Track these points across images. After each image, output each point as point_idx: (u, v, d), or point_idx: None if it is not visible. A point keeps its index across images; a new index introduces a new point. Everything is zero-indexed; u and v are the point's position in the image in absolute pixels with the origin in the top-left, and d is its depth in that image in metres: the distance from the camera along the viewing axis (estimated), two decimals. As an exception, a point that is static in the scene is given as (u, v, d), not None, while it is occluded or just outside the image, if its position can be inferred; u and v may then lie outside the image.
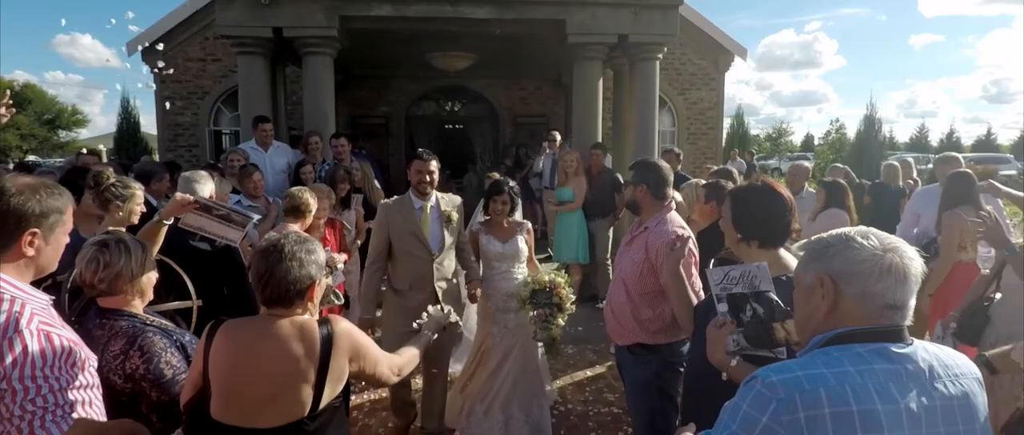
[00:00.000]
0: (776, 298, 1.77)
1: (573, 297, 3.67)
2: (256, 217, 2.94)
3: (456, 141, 14.70)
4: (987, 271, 3.41)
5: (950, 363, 1.24)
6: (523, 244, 3.98)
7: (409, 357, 2.25)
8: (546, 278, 3.62)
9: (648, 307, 2.77)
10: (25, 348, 1.44)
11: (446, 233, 3.74)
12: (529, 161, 10.40)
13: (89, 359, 1.62)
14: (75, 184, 3.22)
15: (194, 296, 2.73)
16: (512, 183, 4.07)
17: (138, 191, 3.10)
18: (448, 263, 3.81)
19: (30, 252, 1.55)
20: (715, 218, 2.85)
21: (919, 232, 4.87)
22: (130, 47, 11.11)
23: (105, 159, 9.02)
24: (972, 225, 2.65)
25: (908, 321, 1.26)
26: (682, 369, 2.72)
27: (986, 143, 45.43)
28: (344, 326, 1.88)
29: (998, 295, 3.08)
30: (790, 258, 2.02)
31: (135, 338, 1.91)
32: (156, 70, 10.99)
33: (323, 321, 1.86)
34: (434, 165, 3.68)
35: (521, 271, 3.96)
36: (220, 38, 9.76)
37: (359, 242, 5.48)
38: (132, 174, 4.60)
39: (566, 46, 7.59)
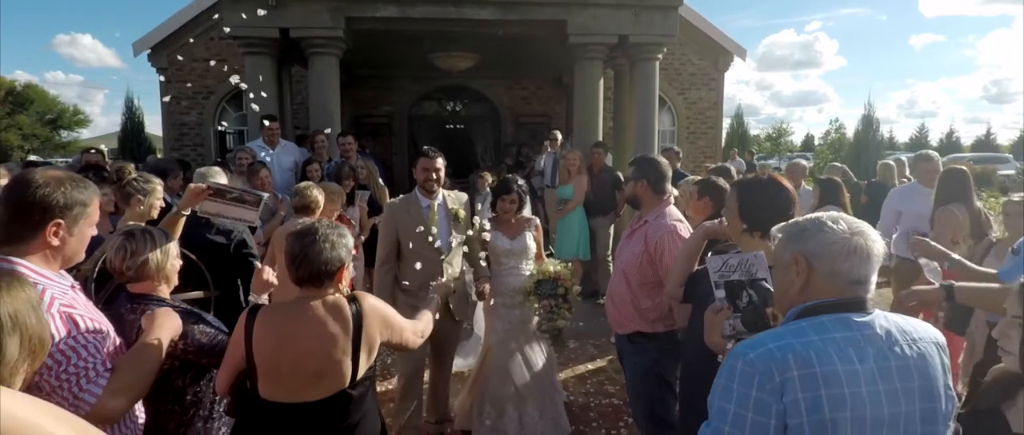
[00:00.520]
0: (771, 286, 1.89)
1: (578, 288, 3.73)
2: (266, 195, 3.03)
3: (458, 141, 14.81)
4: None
5: (908, 329, 1.40)
6: (531, 241, 3.99)
7: (427, 320, 2.41)
8: (551, 268, 3.66)
9: (647, 297, 2.89)
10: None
11: (454, 231, 3.73)
12: (530, 162, 10.52)
13: (111, 330, 1.73)
14: None
15: (211, 286, 2.84)
16: (520, 181, 4.12)
17: (158, 186, 3.22)
18: (457, 262, 3.80)
19: (55, 242, 1.62)
20: (708, 214, 2.96)
21: (907, 229, 4.97)
22: (136, 48, 11.23)
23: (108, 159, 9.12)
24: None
25: (870, 294, 1.42)
26: (678, 359, 2.83)
27: (985, 143, 45.48)
28: (371, 301, 2.04)
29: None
30: None
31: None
32: (162, 70, 11.10)
33: (351, 298, 2.00)
34: (440, 162, 3.67)
35: (529, 268, 3.95)
36: (225, 39, 9.87)
37: (363, 238, 5.60)
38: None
39: (567, 46, 7.72)
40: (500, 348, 3.89)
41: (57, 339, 1.53)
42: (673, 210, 2.97)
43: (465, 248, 3.83)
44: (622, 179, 6.92)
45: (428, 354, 3.86)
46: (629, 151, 8.44)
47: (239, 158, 6.05)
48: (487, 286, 3.85)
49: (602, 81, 8.15)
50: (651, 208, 2.98)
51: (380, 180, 6.64)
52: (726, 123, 18.36)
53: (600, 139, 7.81)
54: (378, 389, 4.63)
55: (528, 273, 3.89)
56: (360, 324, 1.95)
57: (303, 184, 4.28)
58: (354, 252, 5.05)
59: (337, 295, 1.99)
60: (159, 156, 13.20)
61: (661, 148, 8.71)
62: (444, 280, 2.78)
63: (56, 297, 1.59)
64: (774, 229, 1.57)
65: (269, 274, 2.38)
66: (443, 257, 3.65)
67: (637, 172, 3.01)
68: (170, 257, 2.11)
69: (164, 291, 2.15)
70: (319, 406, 1.91)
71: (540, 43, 9.01)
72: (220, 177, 3.76)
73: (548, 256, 4.25)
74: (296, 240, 1.95)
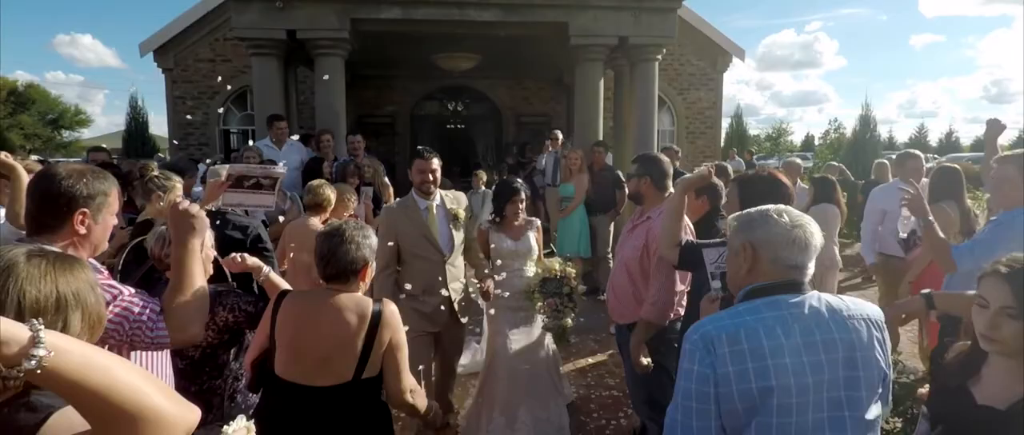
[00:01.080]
0: None
1: (583, 288, 3.73)
2: (283, 170, 3.12)
3: (459, 140, 14.95)
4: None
5: (840, 308, 1.58)
6: (534, 242, 3.93)
7: (422, 394, 2.30)
8: (557, 266, 3.66)
9: (648, 289, 3.02)
10: None
11: (454, 232, 3.64)
12: (531, 163, 10.65)
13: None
14: None
15: (229, 278, 2.98)
16: (520, 181, 4.09)
17: (178, 184, 3.36)
18: (459, 263, 3.73)
19: (82, 231, 1.73)
20: (704, 212, 3.10)
21: (894, 227, 5.04)
22: (142, 48, 11.37)
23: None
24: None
25: (807, 278, 1.61)
26: (677, 345, 2.97)
27: (984, 143, 45.49)
28: (393, 309, 2.14)
29: None
30: None
31: (214, 298, 2.19)
32: (168, 70, 11.24)
33: (376, 301, 2.13)
34: (436, 163, 3.57)
35: (532, 269, 3.88)
36: (231, 39, 10.02)
37: None
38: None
39: (568, 48, 7.86)
40: (507, 352, 3.81)
41: (112, 306, 1.65)
42: None
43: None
44: (622, 178, 7.05)
45: (433, 358, 3.79)
46: (629, 150, 8.58)
47: (247, 157, 6.17)
48: (491, 284, 3.75)
49: (602, 81, 8.29)
50: (654, 204, 3.11)
51: (385, 179, 6.77)
52: (725, 123, 18.50)
53: (601, 138, 7.95)
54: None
55: (532, 274, 3.85)
56: (377, 324, 2.06)
57: (316, 182, 4.39)
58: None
59: (362, 295, 2.13)
60: (162, 156, 13.33)
61: (660, 147, 8.84)
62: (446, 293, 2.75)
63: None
64: (729, 218, 1.75)
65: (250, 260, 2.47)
66: (445, 259, 3.58)
67: (641, 169, 3.15)
68: (206, 246, 2.25)
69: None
70: (324, 393, 2.02)
71: (541, 44, 9.15)
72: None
73: (549, 255, 4.29)
74: (325, 241, 2.09)
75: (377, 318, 2.07)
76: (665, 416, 1.62)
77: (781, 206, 1.67)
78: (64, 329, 1.08)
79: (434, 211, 3.61)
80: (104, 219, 1.79)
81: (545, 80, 13.38)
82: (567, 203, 7.07)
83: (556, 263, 3.76)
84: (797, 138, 49.73)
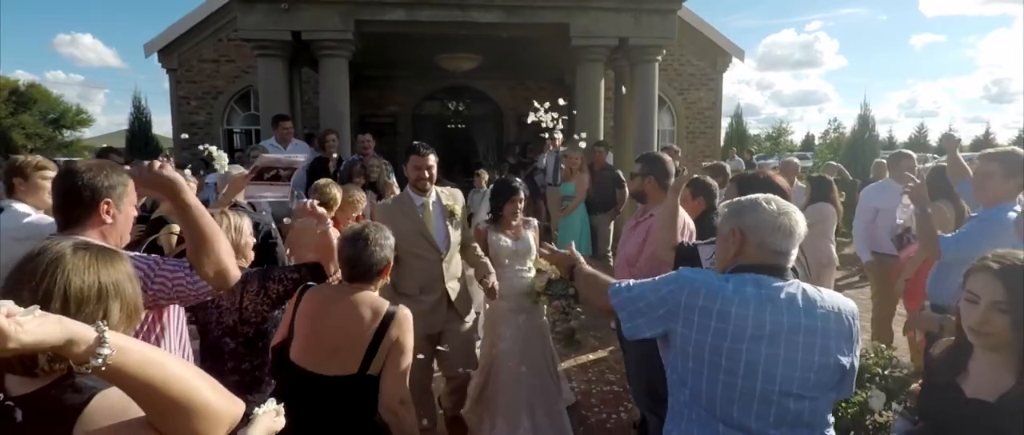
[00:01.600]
0: None
1: None
2: (302, 157, 3.17)
3: (460, 140, 15.03)
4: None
5: (816, 299, 1.69)
6: (533, 241, 3.87)
7: (412, 410, 2.27)
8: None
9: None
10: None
11: (450, 229, 3.56)
12: (532, 163, 10.72)
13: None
14: None
15: (280, 262, 3.08)
16: (518, 180, 3.99)
17: (193, 181, 3.44)
18: (456, 261, 3.65)
19: (108, 220, 1.84)
20: (701, 211, 3.21)
21: (888, 225, 5.12)
22: (147, 49, 11.47)
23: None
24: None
25: (790, 264, 1.73)
26: None
27: (984, 142, 45.61)
28: (407, 313, 2.24)
29: None
30: None
31: (261, 276, 2.34)
32: (172, 70, 11.32)
33: (393, 305, 2.23)
34: (432, 159, 3.48)
35: (531, 269, 3.82)
36: (235, 40, 10.11)
37: None
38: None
39: (569, 48, 7.95)
40: (509, 356, 3.71)
41: (148, 278, 1.75)
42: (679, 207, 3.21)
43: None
44: (622, 177, 7.14)
45: (433, 369, 3.74)
46: (630, 150, 8.67)
47: (253, 156, 6.26)
48: (495, 280, 3.57)
49: (603, 82, 8.38)
50: (657, 202, 3.21)
51: (389, 179, 6.86)
52: (725, 123, 18.60)
53: (601, 138, 8.04)
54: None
55: (530, 275, 3.79)
56: (388, 324, 2.16)
57: (323, 181, 4.46)
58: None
59: (379, 297, 2.24)
60: (167, 154, 13.41)
61: (661, 147, 8.93)
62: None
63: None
64: (721, 206, 1.87)
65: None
66: (442, 256, 3.51)
67: (645, 169, 3.25)
68: (244, 234, 2.35)
69: (243, 264, 2.40)
70: (329, 382, 2.12)
71: (542, 45, 9.24)
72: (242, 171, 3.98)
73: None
74: (350, 245, 2.20)
75: (390, 317, 2.17)
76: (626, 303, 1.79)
77: (770, 196, 1.78)
78: (105, 317, 1.16)
79: (430, 208, 3.53)
80: (126, 208, 1.90)
81: (546, 80, 13.45)
82: (568, 202, 7.16)
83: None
84: (797, 138, 49.89)
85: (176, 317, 2.04)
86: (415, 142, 3.57)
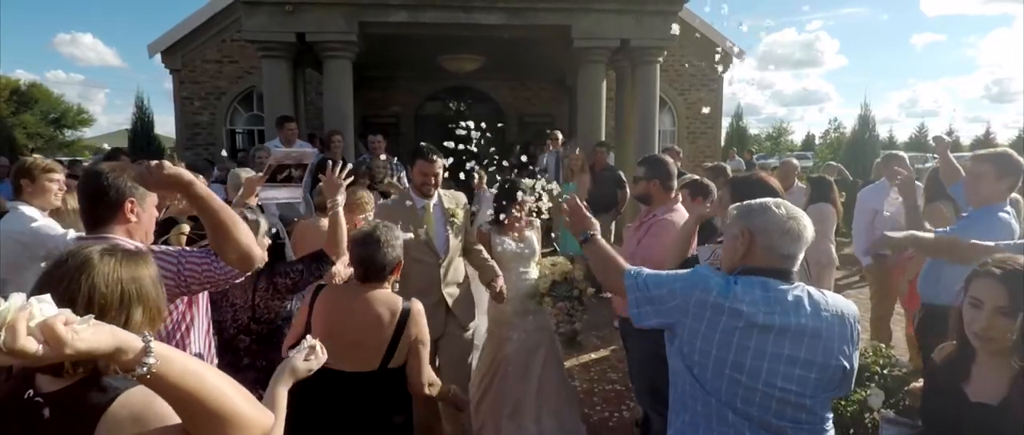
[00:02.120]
0: None
1: (592, 290, 3.61)
2: (313, 151, 3.19)
3: (462, 140, 15.06)
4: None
5: (820, 301, 1.72)
6: (536, 242, 3.82)
7: (438, 383, 2.43)
8: (566, 269, 3.58)
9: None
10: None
11: (451, 234, 3.47)
12: (533, 163, 10.75)
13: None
14: None
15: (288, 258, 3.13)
16: (524, 181, 3.93)
17: (200, 178, 3.47)
18: (456, 266, 3.55)
19: (133, 218, 1.91)
20: None
21: (885, 227, 5.15)
22: (150, 49, 11.52)
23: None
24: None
25: (796, 268, 1.76)
26: None
27: (984, 142, 45.55)
28: (420, 308, 2.31)
29: None
30: None
31: (268, 274, 2.46)
32: (175, 71, 11.37)
33: (406, 300, 2.30)
34: (440, 166, 3.39)
35: (535, 271, 3.75)
36: (238, 41, 10.16)
37: None
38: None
39: (571, 50, 7.99)
40: (517, 358, 3.66)
41: (179, 268, 1.85)
42: (681, 208, 3.26)
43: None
44: (623, 178, 7.18)
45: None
46: (631, 150, 8.73)
47: (258, 157, 6.30)
48: (502, 283, 3.51)
49: (604, 83, 8.43)
50: (661, 204, 3.29)
51: (395, 180, 6.91)
52: (725, 123, 18.63)
53: (603, 139, 8.09)
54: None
55: (533, 277, 3.74)
56: (405, 320, 2.25)
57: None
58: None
59: (392, 293, 2.31)
60: (171, 154, 13.46)
61: (662, 148, 8.98)
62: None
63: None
64: (730, 208, 1.89)
65: None
66: (441, 260, 3.43)
67: (649, 172, 3.32)
68: (260, 233, 2.41)
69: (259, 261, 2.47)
70: (349, 377, 2.18)
71: (544, 46, 9.28)
72: (250, 174, 4.01)
73: (552, 253, 4.25)
74: (361, 246, 2.26)
75: (406, 315, 2.24)
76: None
77: (780, 200, 1.82)
78: (126, 322, 1.20)
79: (431, 210, 3.46)
80: (148, 207, 1.97)
81: (548, 81, 13.51)
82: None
83: (560, 261, 3.70)
84: (798, 137, 49.86)
85: (203, 310, 2.11)
86: (422, 145, 3.47)
